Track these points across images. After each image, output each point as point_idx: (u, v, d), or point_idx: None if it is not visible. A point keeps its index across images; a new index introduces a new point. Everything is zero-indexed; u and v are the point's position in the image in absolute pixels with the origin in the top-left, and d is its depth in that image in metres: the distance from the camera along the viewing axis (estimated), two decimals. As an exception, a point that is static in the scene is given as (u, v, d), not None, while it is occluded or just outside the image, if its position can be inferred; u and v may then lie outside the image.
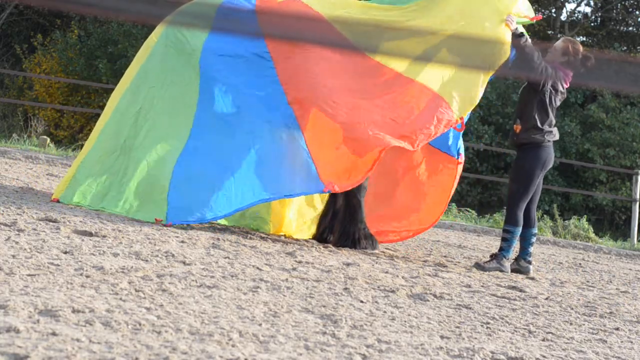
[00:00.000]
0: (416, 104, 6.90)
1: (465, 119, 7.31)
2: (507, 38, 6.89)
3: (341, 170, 6.82)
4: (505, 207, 7.80)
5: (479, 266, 7.04)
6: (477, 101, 7.02)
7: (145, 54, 7.46)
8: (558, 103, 7.11)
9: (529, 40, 6.95)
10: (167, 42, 7.28)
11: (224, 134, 6.85)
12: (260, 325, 3.47)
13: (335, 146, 6.86)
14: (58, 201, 7.14)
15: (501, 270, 7.00)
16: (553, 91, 6.99)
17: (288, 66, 7.01)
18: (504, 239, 7.09)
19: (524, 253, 7.22)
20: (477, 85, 6.96)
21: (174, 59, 7.20)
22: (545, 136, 7.03)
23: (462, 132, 7.73)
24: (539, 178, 7.11)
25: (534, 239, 7.27)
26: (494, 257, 7.12)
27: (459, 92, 6.92)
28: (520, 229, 7.06)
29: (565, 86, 7.08)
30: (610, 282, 7.80)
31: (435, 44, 6.93)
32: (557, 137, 7.14)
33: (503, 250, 7.08)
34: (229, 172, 6.70)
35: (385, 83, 6.98)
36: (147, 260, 4.72)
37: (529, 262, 7.22)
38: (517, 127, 7.09)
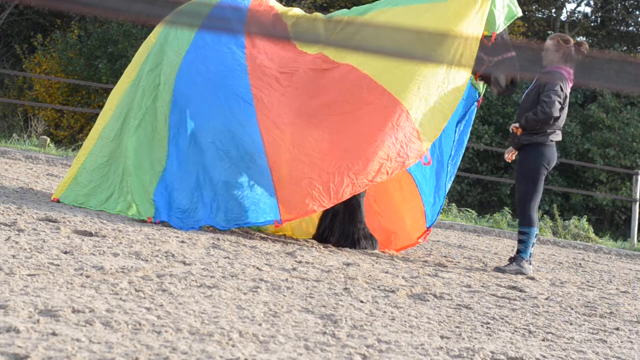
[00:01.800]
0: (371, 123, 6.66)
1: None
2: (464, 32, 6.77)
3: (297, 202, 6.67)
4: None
5: (498, 269, 7.04)
6: (440, 130, 6.80)
7: (143, 55, 7.46)
8: (566, 107, 7.10)
9: (527, 119, 6.97)
10: (164, 42, 7.28)
11: (192, 150, 6.86)
12: (260, 325, 3.47)
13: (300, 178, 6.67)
14: (58, 201, 7.15)
15: (522, 273, 6.98)
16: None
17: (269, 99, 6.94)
18: (520, 241, 7.08)
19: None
20: (443, 116, 6.75)
21: (163, 62, 7.21)
22: (549, 137, 7.03)
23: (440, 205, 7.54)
24: (544, 176, 7.13)
25: (534, 240, 7.27)
26: (513, 259, 7.10)
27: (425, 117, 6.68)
28: (535, 229, 7.04)
29: (570, 85, 7.09)
30: (610, 282, 7.80)
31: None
32: (559, 137, 7.13)
33: (521, 252, 7.07)
34: (202, 185, 6.74)
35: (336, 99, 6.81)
36: (147, 260, 4.72)
37: (529, 262, 7.22)
38: (519, 131, 7.07)
